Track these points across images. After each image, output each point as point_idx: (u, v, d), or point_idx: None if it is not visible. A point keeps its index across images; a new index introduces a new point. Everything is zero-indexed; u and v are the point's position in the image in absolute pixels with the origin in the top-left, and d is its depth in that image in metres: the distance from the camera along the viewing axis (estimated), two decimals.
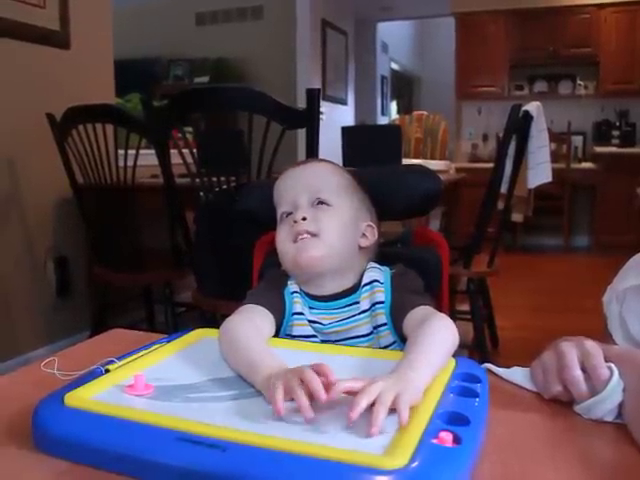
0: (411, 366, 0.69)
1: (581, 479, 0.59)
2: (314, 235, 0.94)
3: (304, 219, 0.94)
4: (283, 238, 0.96)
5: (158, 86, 5.96)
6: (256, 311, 0.90)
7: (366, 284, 0.97)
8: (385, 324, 0.94)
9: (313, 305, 0.97)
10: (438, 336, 0.79)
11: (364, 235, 1.00)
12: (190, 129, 2.25)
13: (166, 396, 0.69)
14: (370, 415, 0.59)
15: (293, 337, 0.95)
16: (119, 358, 0.79)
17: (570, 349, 0.74)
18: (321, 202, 0.96)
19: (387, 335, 0.94)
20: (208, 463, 0.55)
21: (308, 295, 0.97)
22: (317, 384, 0.63)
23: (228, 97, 1.89)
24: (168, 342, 0.86)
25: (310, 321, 0.95)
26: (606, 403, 0.69)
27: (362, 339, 0.95)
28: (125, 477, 0.58)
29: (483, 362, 0.85)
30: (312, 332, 0.95)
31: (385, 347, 0.95)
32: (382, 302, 0.94)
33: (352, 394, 0.62)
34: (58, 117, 2.55)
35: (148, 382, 0.71)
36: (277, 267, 1.02)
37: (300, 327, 0.95)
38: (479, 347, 2.59)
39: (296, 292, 0.97)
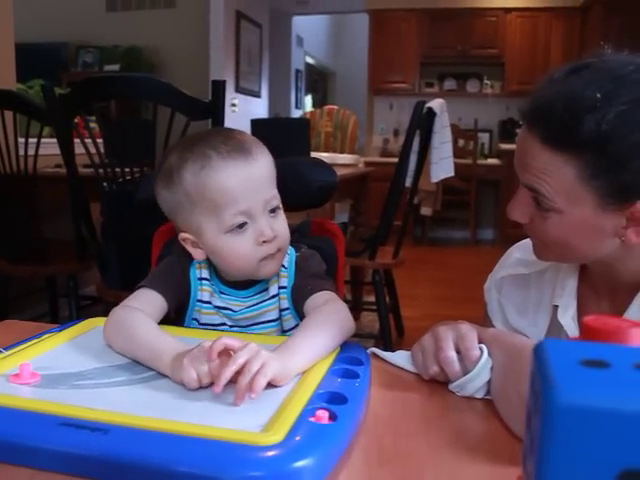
0: (290, 349, 0.73)
1: (449, 451, 0.64)
2: (278, 251, 0.91)
3: (275, 237, 0.88)
4: (247, 254, 0.88)
5: (66, 73, 5.76)
6: (146, 298, 0.90)
7: None
8: (288, 308, 0.95)
9: (225, 291, 0.95)
10: (327, 321, 0.82)
11: None
12: (94, 118, 2.20)
13: (52, 384, 0.69)
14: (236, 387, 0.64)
15: (201, 325, 0.95)
16: (7, 348, 0.78)
17: (446, 332, 0.79)
18: (274, 209, 0.91)
19: (290, 319, 0.96)
20: (91, 446, 0.56)
21: (221, 280, 0.96)
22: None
23: (131, 86, 1.86)
24: (59, 332, 0.86)
25: (220, 307, 0.95)
26: (476, 381, 0.75)
27: (271, 324, 0.96)
28: (10, 465, 0.58)
29: (386, 350, 0.90)
30: (220, 320, 0.95)
31: (288, 330, 0.96)
32: (285, 287, 0.95)
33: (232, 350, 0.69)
34: None
35: (35, 371, 0.71)
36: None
37: (208, 315, 0.95)
38: (384, 337, 2.67)
39: (205, 279, 0.96)
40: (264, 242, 0.88)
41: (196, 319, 0.96)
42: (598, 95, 0.76)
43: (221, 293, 0.95)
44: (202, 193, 0.87)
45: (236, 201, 0.86)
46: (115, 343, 0.82)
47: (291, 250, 0.98)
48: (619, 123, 0.75)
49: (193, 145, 0.90)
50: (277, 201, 0.91)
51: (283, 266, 0.95)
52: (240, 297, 0.95)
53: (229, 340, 0.70)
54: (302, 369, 0.72)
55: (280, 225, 0.91)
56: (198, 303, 0.96)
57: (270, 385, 0.67)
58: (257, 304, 0.95)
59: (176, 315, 0.96)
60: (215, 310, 0.95)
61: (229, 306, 0.95)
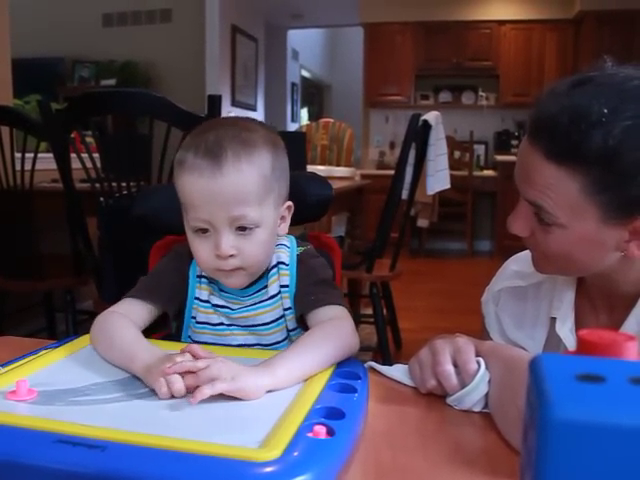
0: (272, 365, 0.73)
1: (447, 465, 0.64)
2: (240, 268, 0.87)
3: (231, 255, 0.85)
4: (204, 259, 0.88)
5: (62, 87, 5.79)
6: (132, 304, 0.90)
7: (273, 266, 0.93)
8: (290, 308, 0.92)
9: (225, 289, 0.93)
10: (324, 338, 0.81)
11: (282, 218, 0.93)
12: (90, 133, 2.21)
13: (49, 400, 0.69)
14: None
15: (198, 324, 0.94)
16: (4, 365, 0.78)
17: (443, 346, 0.79)
18: (244, 227, 0.85)
19: (292, 319, 0.93)
20: (88, 464, 0.56)
21: None
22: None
23: (128, 101, 1.87)
24: (57, 347, 0.86)
25: (218, 306, 0.93)
26: (473, 394, 0.75)
27: (271, 325, 0.93)
28: None
29: (384, 363, 0.90)
30: (218, 320, 0.93)
31: (293, 330, 0.94)
32: (287, 286, 0.92)
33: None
34: None
35: (32, 387, 0.70)
36: None
37: (205, 314, 0.94)
38: (382, 349, 2.66)
39: (205, 277, 0.94)
40: (217, 256, 0.86)
41: (194, 317, 0.95)
42: (605, 110, 0.75)
43: (221, 291, 0.94)
44: (176, 185, 0.88)
45: (197, 208, 0.85)
46: (98, 347, 0.83)
47: (292, 244, 0.96)
48: (625, 138, 0.75)
49: (199, 132, 0.89)
50: (249, 221, 0.85)
51: (284, 263, 0.93)
52: (240, 295, 0.93)
53: (198, 349, 0.74)
54: (282, 385, 0.72)
55: (247, 245, 0.86)
56: (196, 301, 0.94)
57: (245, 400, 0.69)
58: (255, 304, 0.92)
59: (176, 314, 0.95)
60: (213, 309, 0.94)
61: (228, 304, 0.93)
